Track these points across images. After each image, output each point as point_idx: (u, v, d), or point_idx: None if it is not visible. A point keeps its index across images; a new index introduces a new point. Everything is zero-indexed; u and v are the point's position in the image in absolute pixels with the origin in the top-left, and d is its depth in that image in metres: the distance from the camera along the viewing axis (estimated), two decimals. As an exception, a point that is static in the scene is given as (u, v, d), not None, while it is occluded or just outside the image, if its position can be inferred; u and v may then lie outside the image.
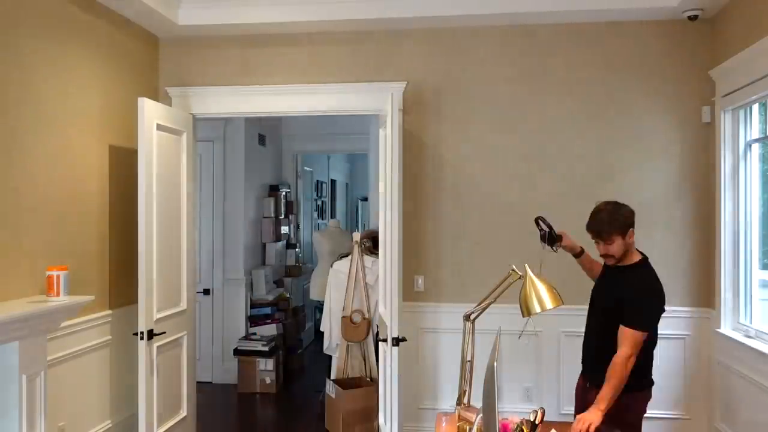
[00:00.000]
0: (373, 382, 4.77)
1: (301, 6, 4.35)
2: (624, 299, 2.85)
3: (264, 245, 6.99)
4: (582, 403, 3.02)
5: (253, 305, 6.40)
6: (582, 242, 3.24)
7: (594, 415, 2.67)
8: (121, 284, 4.19)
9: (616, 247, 2.88)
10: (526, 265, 2.72)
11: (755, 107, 3.95)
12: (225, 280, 6.30)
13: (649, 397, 3.01)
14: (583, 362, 3.15)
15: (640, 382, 2.89)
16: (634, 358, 2.76)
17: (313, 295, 6.24)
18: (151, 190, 3.97)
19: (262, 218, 6.93)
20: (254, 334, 6.17)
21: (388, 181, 3.92)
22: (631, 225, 2.89)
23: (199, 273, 5.64)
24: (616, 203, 2.93)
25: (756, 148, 4.00)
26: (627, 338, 2.77)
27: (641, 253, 3.00)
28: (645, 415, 4.26)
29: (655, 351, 2.99)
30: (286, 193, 7.39)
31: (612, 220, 2.85)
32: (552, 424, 2.92)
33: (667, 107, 4.34)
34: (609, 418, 2.72)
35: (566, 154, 4.42)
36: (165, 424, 4.15)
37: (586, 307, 4.12)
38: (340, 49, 4.58)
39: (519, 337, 3.07)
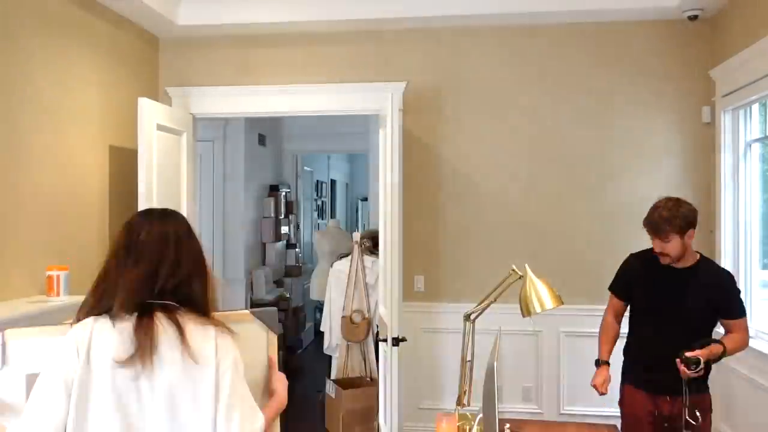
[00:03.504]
0: (373, 382, 4.77)
1: (301, 6, 4.35)
2: (721, 296, 2.80)
3: (264, 245, 6.99)
4: (662, 421, 2.83)
5: (253, 305, 6.39)
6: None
7: (705, 351, 2.61)
8: (121, 284, 4.18)
9: (674, 246, 2.75)
10: (526, 265, 2.72)
11: (755, 107, 3.95)
12: (225, 280, 6.30)
13: None
14: (651, 375, 2.86)
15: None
16: (748, 342, 2.84)
17: (313, 295, 6.25)
18: (151, 190, 3.97)
19: (262, 218, 6.93)
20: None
21: (388, 181, 3.92)
22: (693, 225, 2.76)
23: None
24: (678, 200, 2.79)
25: (756, 148, 4.00)
26: (743, 327, 2.83)
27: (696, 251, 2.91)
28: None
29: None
30: (286, 193, 7.39)
31: (672, 218, 2.71)
32: (555, 424, 2.92)
33: (667, 107, 4.34)
34: (707, 419, 2.76)
35: (566, 154, 4.42)
36: (165, 424, 4.14)
37: (586, 307, 4.13)
38: (340, 49, 4.58)
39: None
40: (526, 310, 2.65)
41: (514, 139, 4.47)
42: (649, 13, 4.21)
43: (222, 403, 1.56)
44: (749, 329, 2.91)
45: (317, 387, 5.72)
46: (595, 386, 2.92)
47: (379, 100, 4.20)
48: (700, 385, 2.76)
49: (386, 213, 3.99)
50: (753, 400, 3.67)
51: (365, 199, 9.78)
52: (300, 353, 7.03)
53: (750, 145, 4.00)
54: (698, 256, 2.87)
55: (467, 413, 2.72)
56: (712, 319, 2.84)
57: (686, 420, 2.57)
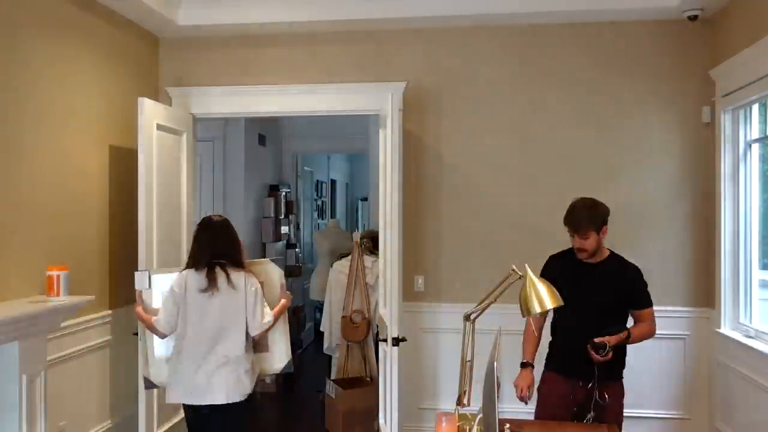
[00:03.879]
0: (373, 382, 4.77)
1: (301, 6, 4.35)
2: (629, 289, 3.09)
3: (264, 245, 6.98)
4: (574, 404, 3.05)
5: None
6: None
7: (613, 338, 2.93)
8: (121, 284, 4.18)
9: (591, 242, 3.03)
10: (526, 265, 2.72)
11: (755, 107, 3.95)
12: (225, 280, 6.29)
13: None
14: (572, 362, 3.07)
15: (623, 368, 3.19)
16: (655, 331, 3.15)
17: (313, 295, 6.25)
18: (151, 190, 3.97)
19: (262, 218, 6.92)
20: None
21: (388, 181, 3.92)
22: (606, 222, 3.07)
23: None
24: (593, 200, 3.09)
25: (756, 148, 4.00)
26: (650, 317, 3.12)
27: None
28: (642, 414, 4.26)
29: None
30: (286, 193, 7.38)
31: (590, 216, 3.02)
32: (555, 424, 2.92)
33: (667, 107, 4.34)
34: (621, 405, 3.11)
35: (566, 154, 4.42)
36: (165, 424, 4.15)
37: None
38: (340, 49, 4.58)
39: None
40: (526, 310, 2.65)
41: (514, 139, 4.47)
42: (649, 13, 4.21)
43: (249, 309, 3.24)
44: (656, 320, 3.15)
45: (317, 387, 5.72)
46: (516, 386, 3.15)
47: (379, 100, 4.20)
48: (612, 372, 3.03)
49: (386, 213, 3.99)
50: (753, 400, 3.67)
51: (365, 199, 9.77)
52: (300, 353, 7.02)
53: (750, 145, 4.00)
54: (608, 252, 3.16)
55: (467, 413, 2.72)
56: (622, 309, 3.11)
57: (596, 400, 2.93)
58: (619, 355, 3.07)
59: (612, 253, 3.17)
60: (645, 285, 3.14)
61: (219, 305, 3.19)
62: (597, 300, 3.06)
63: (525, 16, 4.31)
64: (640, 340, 3.11)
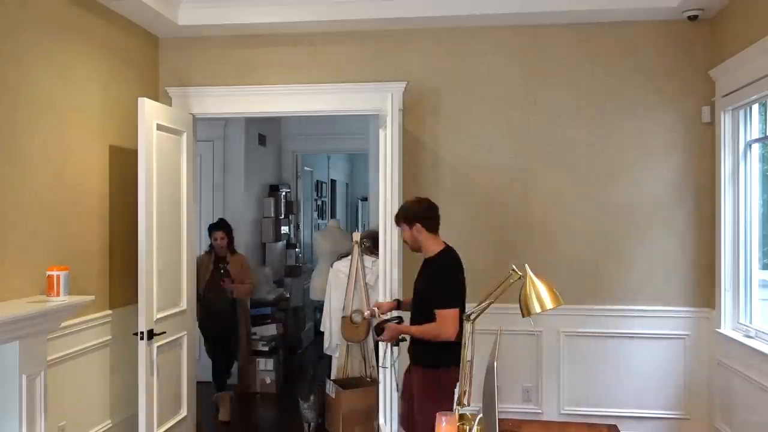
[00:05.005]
0: (373, 382, 4.76)
1: (301, 6, 4.35)
2: (429, 287, 3.17)
3: (264, 245, 6.98)
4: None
5: (253, 305, 6.38)
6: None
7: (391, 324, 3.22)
8: (121, 284, 4.19)
9: (405, 235, 3.24)
10: (526, 265, 2.72)
11: (755, 107, 3.96)
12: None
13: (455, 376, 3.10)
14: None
15: (447, 358, 3.08)
16: (448, 334, 3.03)
17: (313, 295, 6.24)
18: (151, 190, 3.97)
19: (262, 218, 6.92)
20: (254, 334, 6.16)
21: (388, 181, 3.92)
22: (417, 221, 3.18)
23: (199, 273, 5.63)
24: (418, 199, 3.29)
25: (756, 148, 4.00)
26: (439, 317, 3.08)
27: (446, 245, 3.25)
28: (642, 414, 4.29)
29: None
30: (286, 193, 7.39)
31: (401, 210, 3.28)
32: (555, 424, 2.92)
33: (667, 107, 4.34)
34: (423, 390, 3.14)
35: (566, 154, 4.42)
36: (165, 424, 4.15)
37: (586, 306, 4.17)
38: (340, 49, 4.58)
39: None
40: (526, 310, 2.65)
41: (514, 138, 4.46)
42: (650, 13, 4.21)
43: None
44: (450, 324, 3.02)
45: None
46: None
47: (379, 100, 4.20)
48: (416, 358, 3.24)
49: (386, 213, 3.99)
50: (753, 400, 3.67)
51: (365, 199, 9.77)
52: (300, 353, 7.03)
53: (750, 145, 4.00)
54: (438, 249, 3.22)
55: (467, 413, 2.72)
56: (429, 305, 3.13)
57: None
58: (421, 344, 3.17)
59: (443, 250, 3.23)
60: (440, 284, 3.14)
61: None
62: (415, 294, 3.26)
63: (525, 17, 4.30)
64: (422, 336, 3.15)
